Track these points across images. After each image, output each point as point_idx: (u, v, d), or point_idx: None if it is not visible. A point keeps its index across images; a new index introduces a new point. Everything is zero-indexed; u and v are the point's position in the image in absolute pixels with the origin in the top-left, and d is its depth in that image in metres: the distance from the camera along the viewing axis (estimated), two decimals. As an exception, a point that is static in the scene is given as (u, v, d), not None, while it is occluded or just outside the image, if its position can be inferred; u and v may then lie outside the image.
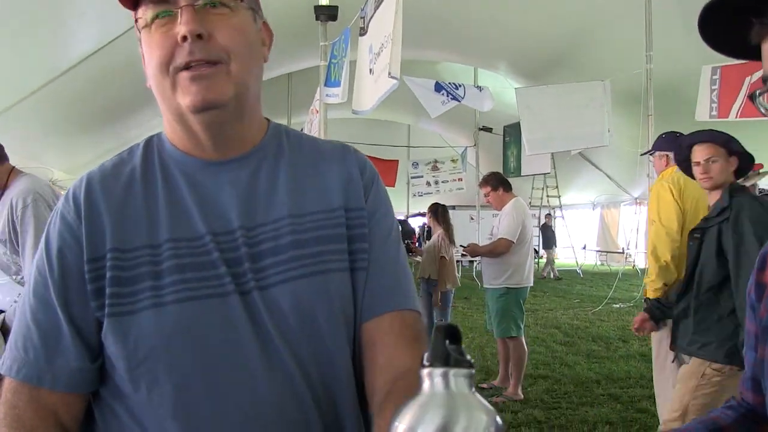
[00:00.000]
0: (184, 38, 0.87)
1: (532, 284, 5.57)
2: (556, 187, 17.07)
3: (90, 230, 0.92)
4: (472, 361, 0.57)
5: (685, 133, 3.23)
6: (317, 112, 7.10)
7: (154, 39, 0.91)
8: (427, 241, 6.16)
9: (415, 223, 19.61)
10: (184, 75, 0.89)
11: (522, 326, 5.42)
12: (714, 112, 6.55)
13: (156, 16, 0.90)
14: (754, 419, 1.04)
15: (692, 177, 3.11)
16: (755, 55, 0.86)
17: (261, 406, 0.89)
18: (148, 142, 1.03)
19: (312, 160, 1.04)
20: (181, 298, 0.89)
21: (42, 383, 0.89)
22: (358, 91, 6.08)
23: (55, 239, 0.94)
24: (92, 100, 8.34)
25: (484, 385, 5.65)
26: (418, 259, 6.49)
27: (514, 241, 5.29)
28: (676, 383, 3.05)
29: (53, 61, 7.01)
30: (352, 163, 1.05)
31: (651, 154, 4.09)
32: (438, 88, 9.91)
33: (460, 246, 5.85)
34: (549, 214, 18.00)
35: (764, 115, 0.88)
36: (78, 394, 0.93)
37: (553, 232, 17.99)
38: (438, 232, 6.27)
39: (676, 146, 3.27)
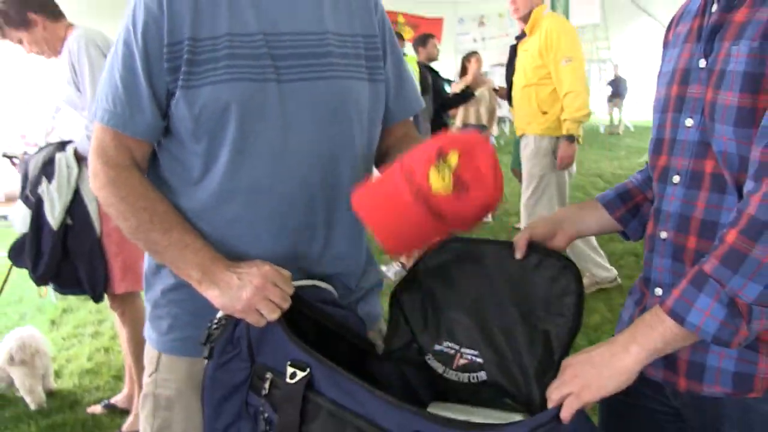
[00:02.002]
0: None
1: None
2: (607, 38, 16.55)
3: (171, 19, 1.17)
4: None
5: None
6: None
7: None
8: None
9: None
10: None
11: None
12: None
13: None
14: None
15: None
16: None
17: (278, 174, 1.23)
18: None
19: None
20: (233, 78, 1.18)
21: (126, 131, 1.22)
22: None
23: (140, 22, 1.18)
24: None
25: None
26: None
27: None
28: None
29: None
30: (369, 2, 1.37)
31: None
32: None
33: (496, 88, 5.94)
34: (616, 66, 17.55)
35: None
36: (148, 142, 1.25)
37: (626, 82, 17.34)
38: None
39: None
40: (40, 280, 2.85)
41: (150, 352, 1.38)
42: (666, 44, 1.23)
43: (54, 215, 2.71)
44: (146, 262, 1.37)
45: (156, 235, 1.21)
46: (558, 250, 1.29)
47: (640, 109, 19.31)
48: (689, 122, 1.08)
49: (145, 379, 1.37)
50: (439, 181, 1.05)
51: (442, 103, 5.77)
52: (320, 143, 1.24)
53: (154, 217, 1.21)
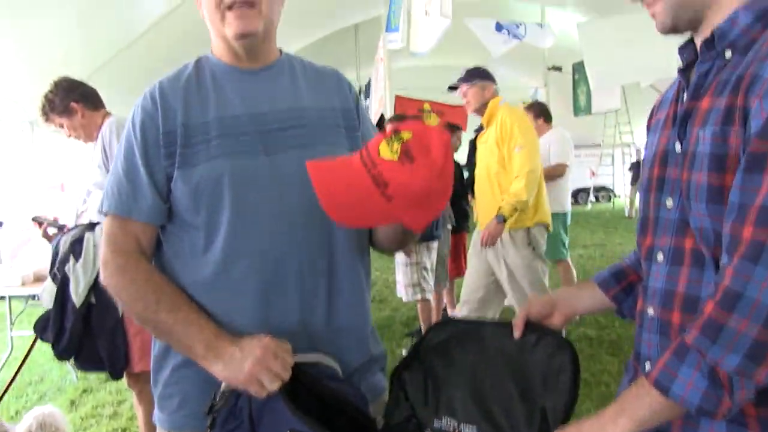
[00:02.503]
0: None
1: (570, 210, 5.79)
2: (629, 122, 16.78)
3: (164, 113, 1.34)
4: None
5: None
6: (382, 60, 7.40)
7: None
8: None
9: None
10: (230, 14, 1.33)
11: (568, 249, 5.70)
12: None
13: None
14: None
15: None
16: None
17: (275, 237, 1.32)
18: (198, 60, 1.45)
19: (315, 74, 1.50)
20: (224, 153, 1.32)
21: (130, 215, 1.34)
22: (415, 33, 6.35)
23: (138, 121, 1.36)
24: (160, 68, 8.78)
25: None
26: None
27: (569, 165, 5.55)
28: None
29: (122, 32, 7.54)
30: (342, 81, 1.53)
31: (471, 84, 4.10)
32: (498, 27, 10.00)
33: None
34: (639, 149, 17.64)
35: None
36: (153, 225, 1.36)
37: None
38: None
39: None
40: (62, 355, 2.92)
41: None
42: (648, 130, 1.30)
43: (78, 292, 2.81)
44: (154, 345, 1.43)
45: (162, 315, 1.28)
46: (554, 328, 1.33)
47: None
48: (669, 203, 1.13)
49: None
50: (386, 150, 1.12)
51: (458, 190, 5.82)
52: (313, 206, 1.28)
53: (160, 298, 1.29)
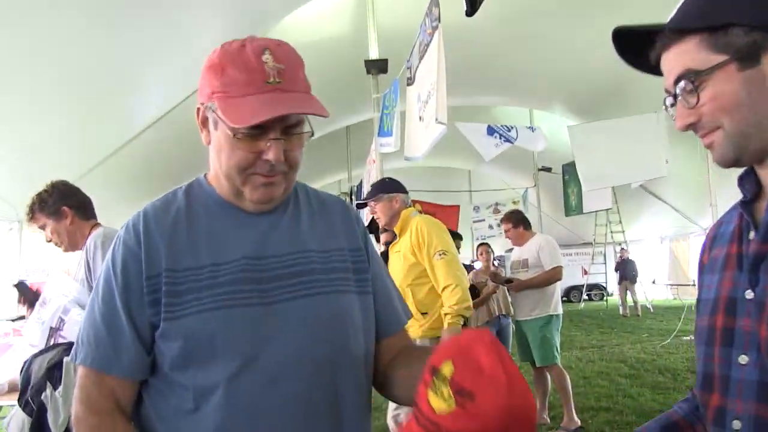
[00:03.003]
0: (269, 161, 1.15)
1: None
2: (620, 222, 16.90)
3: (148, 254, 1.17)
4: None
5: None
6: (374, 162, 7.45)
7: (239, 145, 1.15)
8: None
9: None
10: (257, 179, 1.18)
11: (560, 353, 5.56)
12: None
13: (249, 135, 1.14)
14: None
15: None
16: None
17: (280, 390, 1.15)
18: (189, 187, 1.29)
19: (319, 210, 1.35)
20: (217, 306, 1.14)
21: (110, 371, 1.15)
22: (410, 138, 6.40)
23: (119, 259, 1.18)
24: (156, 166, 8.80)
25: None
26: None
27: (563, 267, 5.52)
28: None
29: (119, 131, 7.63)
30: (349, 215, 1.39)
31: (377, 200, 4.05)
32: (490, 131, 10.19)
33: (504, 282, 5.92)
34: (623, 248, 17.65)
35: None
36: (133, 381, 1.18)
37: (634, 264, 17.25)
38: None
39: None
40: None
41: None
42: (702, 268, 1.14)
43: (57, 425, 2.55)
44: None
45: None
46: None
47: (659, 290, 19.24)
48: (744, 359, 0.97)
49: None
50: (439, 401, 0.89)
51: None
52: (318, 356, 1.17)
53: None
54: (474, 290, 6.09)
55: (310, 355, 1.17)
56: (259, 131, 1.14)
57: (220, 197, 1.26)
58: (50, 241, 3.05)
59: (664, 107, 1.03)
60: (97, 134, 7.33)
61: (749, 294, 0.97)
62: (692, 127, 0.99)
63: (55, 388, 2.54)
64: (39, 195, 3.04)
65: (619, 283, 17.21)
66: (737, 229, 1.05)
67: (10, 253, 7.79)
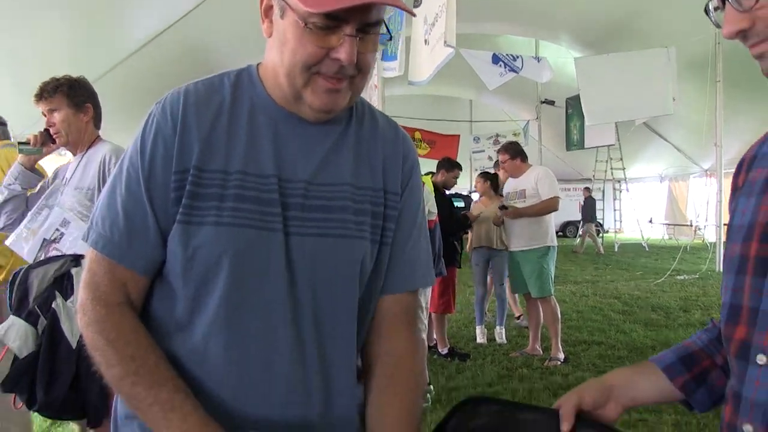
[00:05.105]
0: (339, 60, 1.00)
1: None
2: (621, 159, 16.79)
3: (181, 146, 1.05)
4: None
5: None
6: (376, 87, 7.29)
7: (308, 37, 1.00)
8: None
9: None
10: (322, 82, 1.04)
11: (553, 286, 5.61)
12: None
13: (321, 26, 0.99)
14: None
15: None
16: None
17: (273, 333, 1.08)
18: (238, 79, 1.14)
19: (371, 135, 1.19)
20: (237, 222, 1.05)
21: (122, 262, 1.07)
22: (414, 62, 6.22)
23: (150, 144, 1.06)
24: (153, 84, 8.69)
25: (515, 354, 5.67)
26: None
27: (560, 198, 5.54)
28: None
29: (116, 47, 7.40)
30: (398, 149, 1.22)
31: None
32: (495, 60, 9.95)
33: (500, 208, 5.85)
34: (587, 188, 17.68)
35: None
36: (147, 278, 1.09)
37: (594, 203, 17.36)
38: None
39: None
40: (50, 406, 2.54)
41: None
42: (736, 191, 1.04)
43: (74, 332, 2.46)
44: (119, 406, 1.18)
45: (141, 389, 1.03)
46: (609, 421, 1.10)
47: (656, 229, 19.33)
48: None
49: None
50: None
51: (448, 225, 5.69)
52: (319, 300, 1.10)
53: (141, 368, 1.04)
54: (466, 220, 6.07)
55: (313, 299, 1.10)
56: (334, 23, 0.99)
57: (270, 99, 1.12)
58: (51, 126, 2.87)
59: (704, 11, 0.91)
60: (95, 49, 7.12)
61: None
62: (742, 33, 0.87)
63: (66, 298, 2.46)
64: (70, 80, 2.84)
65: (582, 225, 17.38)
66: None
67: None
